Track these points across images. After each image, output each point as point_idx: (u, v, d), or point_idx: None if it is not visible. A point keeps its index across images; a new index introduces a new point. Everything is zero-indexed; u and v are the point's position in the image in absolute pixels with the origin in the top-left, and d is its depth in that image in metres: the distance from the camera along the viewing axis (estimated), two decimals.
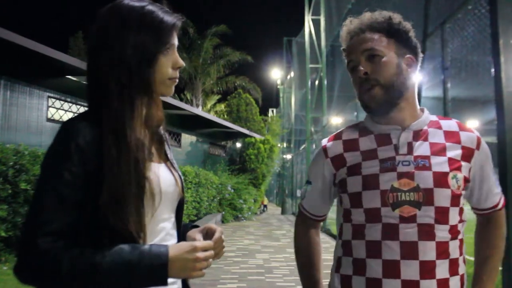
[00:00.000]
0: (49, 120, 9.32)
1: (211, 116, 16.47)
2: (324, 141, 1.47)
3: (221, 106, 27.86)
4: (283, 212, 22.14)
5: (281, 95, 33.10)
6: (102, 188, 1.02)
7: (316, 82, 15.40)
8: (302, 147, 19.49)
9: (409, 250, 1.19)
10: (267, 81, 38.41)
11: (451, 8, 4.63)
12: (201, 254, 1.04)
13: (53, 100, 9.56)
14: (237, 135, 19.40)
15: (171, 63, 1.17)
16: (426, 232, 1.20)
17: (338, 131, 1.47)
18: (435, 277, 1.19)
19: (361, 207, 1.28)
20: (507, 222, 2.81)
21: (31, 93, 8.89)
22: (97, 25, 1.14)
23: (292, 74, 25.73)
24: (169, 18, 1.16)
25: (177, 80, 1.21)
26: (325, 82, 13.98)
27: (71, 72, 8.54)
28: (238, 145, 20.04)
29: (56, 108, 9.64)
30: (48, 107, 9.39)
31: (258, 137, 19.41)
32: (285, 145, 30.05)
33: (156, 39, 1.13)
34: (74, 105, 10.09)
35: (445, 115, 4.59)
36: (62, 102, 9.80)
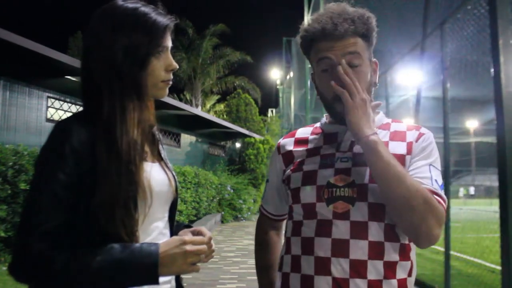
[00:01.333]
0: (48, 120, 9.30)
1: (211, 116, 16.47)
2: (280, 139, 1.49)
3: (221, 106, 27.85)
4: None
5: (280, 95, 33.08)
6: (95, 189, 1.02)
7: None
8: None
9: (340, 248, 1.18)
10: (267, 81, 38.45)
11: (450, 8, 4.64)
12: (190, 247, 1.04)
13: (53, 100, 9.54)
14: (237, 135, 19.40)
15: (164, 65, 1.16)
16: (359, 230, 1.18)
17: (294, 130, 1.49)
18: (366, 277, 1.16)
19: (299, 202, 1.28)
20: (507, 223, 2.81)
21: (31, 93, 8.87)
22: (90, 27, 1.14)
23: (291, 74, 25.73)
24: (162, 20, 1.14)
25: (170, 82, 1.20)
26: None
27: (70, 72, 8.52)
28: (238, 145, 20.04)
29: (56, 109, 9.63)
30: (48, 107, 9.38)
31: (257, 137, 19.40)
32: None
33: (148, 41, 1.12)
34: (73, 106, 10.08)
35: (445, 115, 4.59)
36: (61, 102, 9.79)
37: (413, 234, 1.16)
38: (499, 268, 2.93)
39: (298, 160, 1.35)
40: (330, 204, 1.21)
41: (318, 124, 1.44)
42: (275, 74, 32.64)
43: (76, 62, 8.05)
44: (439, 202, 1.15)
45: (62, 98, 9.76)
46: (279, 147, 1.45)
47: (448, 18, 4.62)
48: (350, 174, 1.23)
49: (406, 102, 7.80)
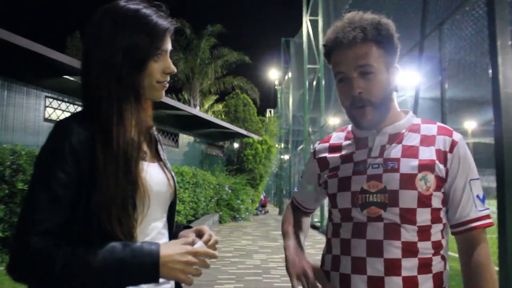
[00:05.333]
0: (46, 120, 9.30)
1: (209, 117, 16.46)
2: (316, 144, 1.56)
3: (219, 107, 27.85)
4: (280, 213, 22.14)
5: (278, 95, 33.11)
6: (94, 188, 1.03)
7: (314, 83, 15.40)
8: (300, 147, 19.49)
9: (375, 248, 1.25)
10: (265, 82, 38.47)
11: (449, 9, 4.64)
12: (191, 259, 1.04)
13: (51, 100, 9.54)
14: (235, 136, 19.40)
15: (162, 68, 1.17)
16: (392, 232, 1.24)
17: (330, 134, 1.55)
18: (400, 274, 1.22)
19: (337, 207, 1.36)
20: (504, 224, 2.82)
21: (29, 93, 8.86)
22: (90, 26, 1.14)
23: (290, 74, 25.74)
24: (163, 23, 1.15)
25: (167, 84, 1.20)
26: (323, 82, 13.98)
27: (68, 72, 8.51)
28: (236, 145, 20.03)
29: (54, 108, 9.62)
30: (46, 107, 9.37)
31: (255, 137, 19.39)
32: (282, 145, 30.04)
33: (148, 44, 1.12)
34: (71, 105, 10.07)
35: (443, 116, 4.60)
36: (59, 102, 9.78)
37: None
38: (496, 269, 2.93)
39: (333, 166, 1.41)
40: (364, 210, 1.28)
41: (350, 128, 1.48)
42: (273, 74, 32.62)
43: (74, 62, 8.04)
44: (485, 225, 1.28)
45: (60, 98, 9.75)
46: (315, 151, 1.53)
47: (446, 19, 4.62)
48: (382, 180, 1.28)
49: (404, 103, 7.82)
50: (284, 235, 1.52)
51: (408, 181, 1.25)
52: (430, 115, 5.81)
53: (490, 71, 2.94)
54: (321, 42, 14.44)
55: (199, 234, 1.20)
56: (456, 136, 1.32)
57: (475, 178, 1.30)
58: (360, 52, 1.27)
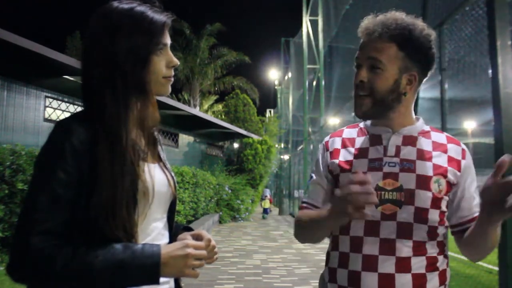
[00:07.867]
0: (46, 120, 9.29)
1: (209, 117, 16.45)
2: (327, 137, 1.54)
3: (219, 107, 27.85)
4: (280, 213, 22.14)
5: (278, 95, 33.10)
6: (94, 188, 1.02)
7: (314, 83, 15.41)
8: (300, 147, 19.50)
9: (387, 247, 1.27)
10: (265, 82, 38.48)
11: (448, 9, 4.64)
12: (192, 251, 1.04)
13: (50, 100, 9.53)
14: (235, 136, 19.40)
15: (165, 62, 1.17)
16: (404, 231, 1.28)
17: (341, 129, 1.53)
18: (410, 271, 1.26)
19: None
20: (504, 223, 2.81)
21: (28, 93, 8.86)
22: (88, 29, 1.14)
23: (289, 74, 25.74)
24: (159, 17, 1.15)
25: (172, 79, 1.21)
26: (323, 82, 13.99)
27: (68, 72, 8.52)
28: (236, 145, 20.04)
29: (53, 108, 9.61)
30: (45, 107, 9.36)
31: (255, 137, 19.38)
32: (282, 145, 30.03)
33: (148, 40, 1.13)
34: (71, 105, 10.07)
35: (443, 116, 4.59)
36: (59, 102, 9.77)
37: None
38: (496, 268, 2.94)
39: (346, 160, 1.40)
40: (379, 206, 1.29)
41: (362, 125, 1.48)
42: (273, 74, 32.64)
43: (74, 62, 8.04)
44: None
45: (60, 98, 9.75)
46: (326, 144, 1.49)
47: (446, 19, 4.62)
48: (398, 179, 1.30)
49: None
50: (300, 220, 1.44)
51: (423, 182, 1.29)
52: (430, 115, 5.81)
53: (490, 71, 2.94)
54: (321, 42, 14.45)
55: (197, 239, 1.20)
56: (463, 145, 1.40)
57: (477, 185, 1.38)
58: (376, 46, 1.30)
